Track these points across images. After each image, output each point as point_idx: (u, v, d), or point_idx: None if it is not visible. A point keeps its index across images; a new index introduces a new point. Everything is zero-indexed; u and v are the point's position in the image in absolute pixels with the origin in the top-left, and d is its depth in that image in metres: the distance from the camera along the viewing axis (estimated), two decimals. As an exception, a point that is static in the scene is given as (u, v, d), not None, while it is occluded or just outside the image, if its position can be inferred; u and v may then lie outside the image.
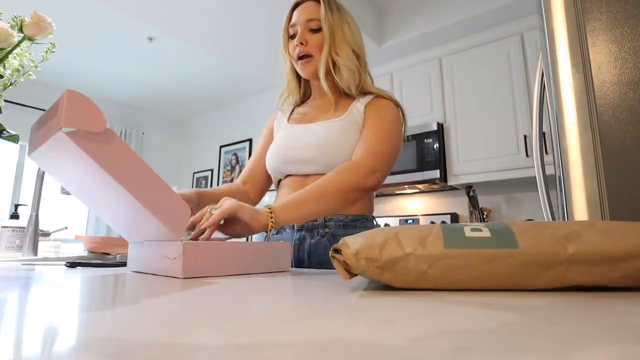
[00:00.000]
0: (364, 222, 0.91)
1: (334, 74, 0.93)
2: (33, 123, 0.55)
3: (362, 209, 0.93)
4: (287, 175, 0.96)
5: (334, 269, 0.46)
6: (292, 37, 0.96)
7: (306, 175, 0.92)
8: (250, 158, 1.08)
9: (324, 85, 0.93)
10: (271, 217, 0.70)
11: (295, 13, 0.97)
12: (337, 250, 0.39)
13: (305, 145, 0.92)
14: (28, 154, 0.56)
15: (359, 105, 0.95)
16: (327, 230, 0.88)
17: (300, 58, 0.94)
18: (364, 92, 0.97)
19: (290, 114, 1.05)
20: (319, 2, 0.94)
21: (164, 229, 0.52)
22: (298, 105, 1.07)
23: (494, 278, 0.34)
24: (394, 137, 0.89)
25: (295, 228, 0.90)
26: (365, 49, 0.99)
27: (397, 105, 0.95)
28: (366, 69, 0.99)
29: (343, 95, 0.98)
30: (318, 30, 0.93)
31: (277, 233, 0.93)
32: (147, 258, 0.59)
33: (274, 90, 0.98)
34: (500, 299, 0.31)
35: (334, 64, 0.93)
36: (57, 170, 0.57)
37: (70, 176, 0.57)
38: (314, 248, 0.88)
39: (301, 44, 0.93)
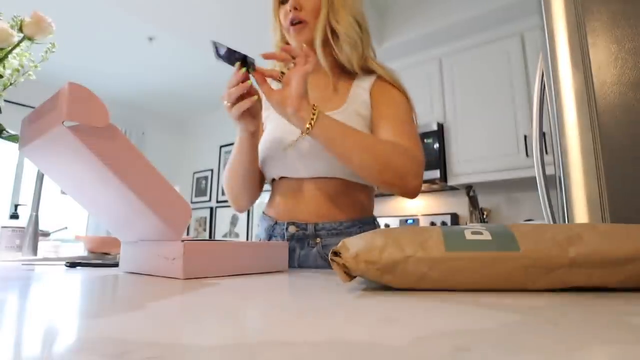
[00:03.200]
0: (362, 227, 0.82)
1: (333, 46, 0.82)
2: (23, 118, 0.54)
3: (360, 212, 0.85)
4: (281, 177, 0.87)
5: None
6: (284, 2, 0.85)
7: (301, 179, 0.84)
8: None
9: (321, 58, 0.82)
10: (313, 114, 0.66)
11: None
12: (336, 253, 0.39)
13: (299, 145, 0.81)
14: (19, 148, 0.55)
15: (361, 91, 0.84)
16: (317, 240, 0.82)
17: (292, 24, 0.82)
18: (366, 70, 0.86)
19: None
20: None
21: (165, 228, 0.52)
22: None
23: (495, 281, 0.34)
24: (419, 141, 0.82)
25: (286, 237, 0.83)
26: (367, 19, 0.89)
27: (406, 95, 0.86)
28: (369, 41, 0.87)
29: (342, 73, 0.87)
30: None
31: (269, 239, 0.87)
32: (142, 258, 0.59)
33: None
34: (500, 299, 0.31)
35: (333, 32, 0.82)
36: (50, 165, 0.56)
37: (64, 171, 0.56)
38: (304, 259, 0.82)
39: (295, 8, 0.81)
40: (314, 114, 0.67)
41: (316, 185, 0.83)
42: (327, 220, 0.82)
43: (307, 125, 0.66)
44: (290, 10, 0.81)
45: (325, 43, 0.82)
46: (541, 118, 1.08)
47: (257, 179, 0.89)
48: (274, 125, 0.88)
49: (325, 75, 0.86)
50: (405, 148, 0.74)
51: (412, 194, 0.76)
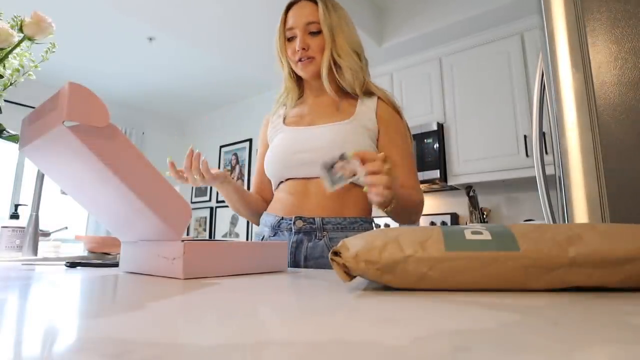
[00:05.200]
0: (363, 224, 0.90)
1: (336, 74, 0.93)
2: (23, 118, 0.54)
3: (361, 211, 0.92)
4: (288, 179, 0.94)
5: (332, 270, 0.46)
6: (290, 39, 0.95)
7: (307, 179, 0.91)
8: (255, 171, 1.09)
9: (327, 87, 0.92)
10: (392, 203, 0.76)
11: (290, 15, 0.94)
12: (336, 253, 0.39)
13: (312, 148, 0.90)
14: (19, 148, 0.55)
15: (365, 109, 0.94)
16: (324, 233, 0.87)
17: (300, 61, 0.93)
18: (366, 92, 0.96)
19: (285, 117, 1.03)
20: (315, 2, 0.93)
21: (165, 228, 0.52)
22: (293, 107, 1.05)
23: (495, 280, 0.34)
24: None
25: (293, 231, 0.88)
26: (364, 45, 0.99)
27: (402, 117, 0.97)
28: (367, 67, 0.98)
29: (346, 95, 0.97)
30: (318, 32, 0.92)
31: (274, 235, 0.91)
32: (142, 258, 0.59)
33: (273, 90, 1.00)
34: (500, 299, 0.31)
35: (336, 65, 0.92)
36: (50, 165, 0.56)
37: (64, 171, 0.56)
38: (311, 251, 0.86)
39: (303, 49, 0.92)
40: (392, 202, 0.76)
41: (321, 184, 0.88)
42: (333, 215, 0.88)
43: (388, 209, 0.78)
44: (298, 50, 0.92)
45: (330, 72, 0.93)
46: (541, 118, 1.08)
47: (256, 203, 1.02)
48: (282, 136, 0.98)
49: (327, 100, 0.97)
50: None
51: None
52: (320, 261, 0.85)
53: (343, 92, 0.97)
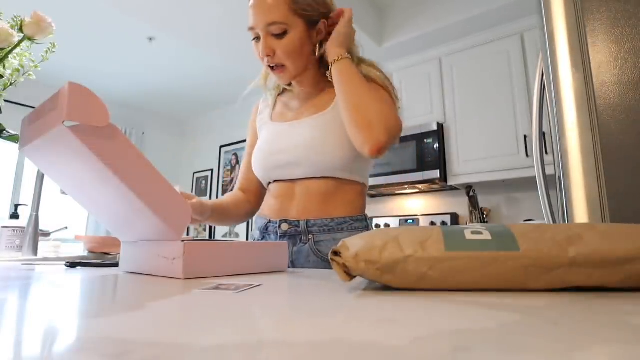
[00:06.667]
0: (353, 223, 0.84)
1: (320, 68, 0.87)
2: (23, 118, 0.54)
3: (351, 209, 0.86)
4: (274, 181, 0.90)
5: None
6: (255, 39, 0.82)
7: (293, 181, 0.87)
8: (242, 163, 1.01)
9: (297, 91, 0.89)
10: (340, 55, 0.79)
11: (250, 10, 0.79)
12: (336, 253, 0.39)
13: (289, 148, 0.85)
14: (19, 148, 0.55)
15: None
16: (310, 236, 0.83)
17: (271, 68, 0.83)
18: None
19: (274, 108, 0.97)
20: None
21: (165, 229, 0.52)
22: (280, 94, 0.98)
23: (495, 280, 0.34)
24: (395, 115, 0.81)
25: (279, 234, 0.85)
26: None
27: (388, 89, 0.84)
28: (357, 53, 0.88)
29: (328, 82, 0.87)
30: (283, 34, 0.78)
31: (262, 238, 0.90)
32: (142, 258, 0.59)
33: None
34: (500, 299, 0.31)
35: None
36: (50, 165, 0.56)
37: (64, 171, 0.56)
38: (297, 256, 0.84)
39: (268, 55, 0.80)
40: (339, 58, 0.79)
41: (307, 185, 0.86)
42: (319, 217, 0.84)
43: (335, 58, 0.80)
44: (262, 57, 0.81)
45: (311, 69, 0.87)
46: (541, 118, 1.08)
47: (237, 213, 0.96)
48: (266, 133, 0.93)
49: (313, 88, 0.92)
50: (391, 115, 0.78)
51: (374, 147, 0.73)
52: (306, 266, 0.82)
53: (325, 81, 0.88)
